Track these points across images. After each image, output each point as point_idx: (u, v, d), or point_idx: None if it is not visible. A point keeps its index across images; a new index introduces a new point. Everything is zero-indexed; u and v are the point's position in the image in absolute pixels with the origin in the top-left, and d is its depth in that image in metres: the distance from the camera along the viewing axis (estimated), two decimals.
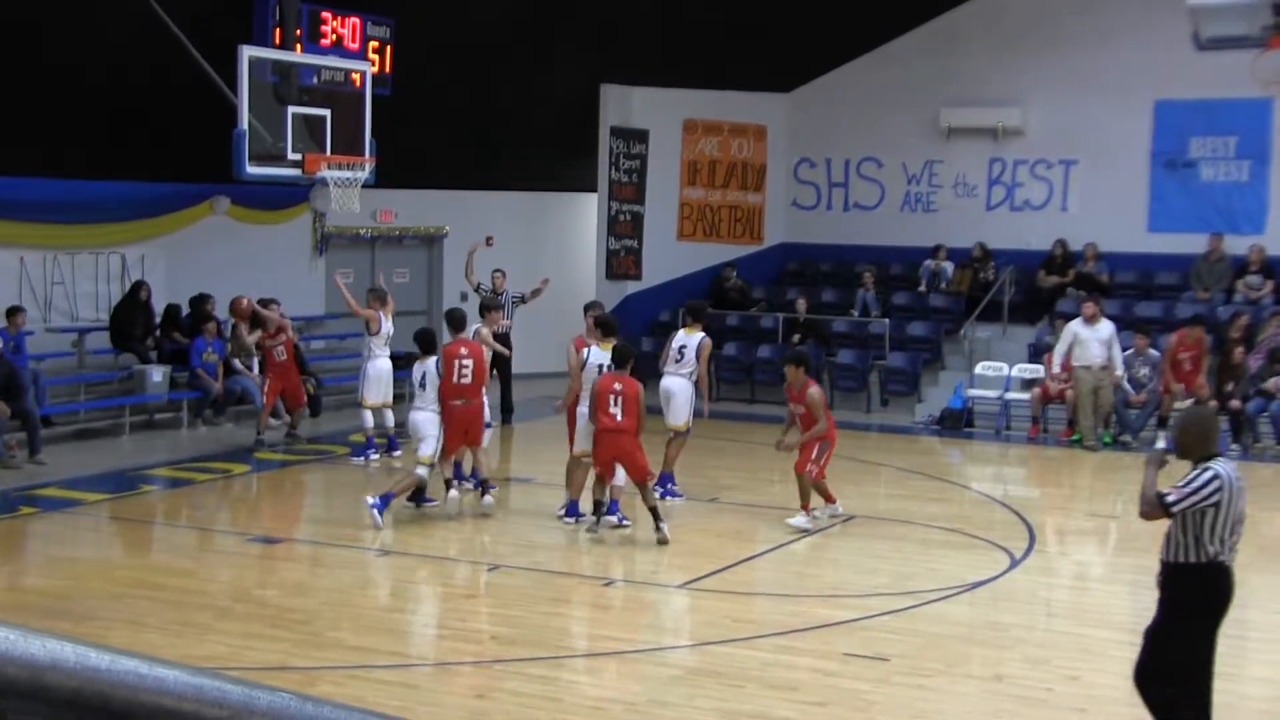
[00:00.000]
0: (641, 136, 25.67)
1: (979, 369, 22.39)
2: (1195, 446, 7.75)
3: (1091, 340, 19.91)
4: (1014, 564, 12.98)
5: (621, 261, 25.82)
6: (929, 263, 24.90)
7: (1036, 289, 23.76)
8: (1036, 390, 21.03)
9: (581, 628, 11.44)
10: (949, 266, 24.77)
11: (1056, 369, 20.27)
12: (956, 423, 21.40)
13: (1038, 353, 22.06)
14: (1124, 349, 20.41)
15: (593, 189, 25.61)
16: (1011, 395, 21.68)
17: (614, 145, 25.37)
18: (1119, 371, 20.06)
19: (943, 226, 25.05)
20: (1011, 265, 23.88)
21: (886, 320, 23.83)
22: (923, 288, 24.91)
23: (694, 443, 16.26)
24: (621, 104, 25.45)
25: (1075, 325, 20.12)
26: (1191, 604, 7.71)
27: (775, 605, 11.59)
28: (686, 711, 8.94)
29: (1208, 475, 7.53)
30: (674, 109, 25.78)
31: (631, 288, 25.89)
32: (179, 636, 10.36)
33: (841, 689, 9.36)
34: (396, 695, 9.03)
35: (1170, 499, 7.55)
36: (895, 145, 25.54)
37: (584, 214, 26.18)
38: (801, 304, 24.22)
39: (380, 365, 17.67)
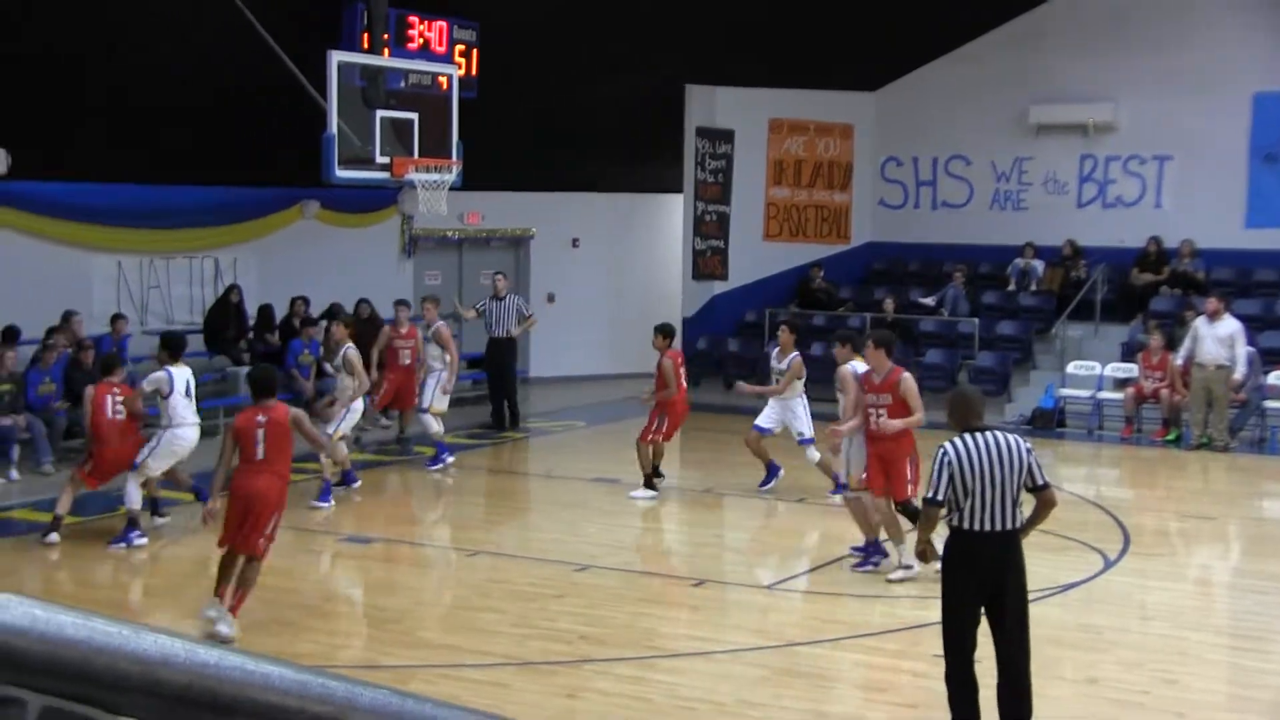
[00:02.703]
0: (727, 136, 25.65)
1: (1070, 368, 22.13)
2: (950, 421, 8.36)
3: (1208, 337, 19.48)
4: (1108, 565, 12.83)
5: (707, 262, 25.81)
6: (1018, 261, 24.66)
7: (1129, 287, 23.45)
8: (1130, 390, 20.75)
9: (670, 628, 11.44)
10: (1039, 265, 24.52)
11: (1179, 364, 19.92)
12: (1048, 422, 21.17)
13: (1131, 351, 21.77)
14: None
15: (678, 189, 25.62)
16: (1104, 395, 21.41)
17: (700, 145, 25.36)
18: (1238, 373, 19.45)
19: (1032, 224, 24.80)
20: (1103, 263, 23.59)
21: (976, 319, 23.63)
22: (1012, 286, 24.68)
23: (783, 444, 16.22)
24: (707, 104, 25.44)
25: (1199, 321, 19.77)
26: (943, 567, 8.23)
27: (865, 606, 11.53)
28: (775, 712, 8.92)
29: (938, 453, 8.06)
30: (759, 108, 25.73)
31: (717, 288, 25.87)
32: (274, 634, 10.49)
33: (932, 691, 9.27)
34: (486, 694, 9.09)
35: (925, 494, 8.17)
36: (984, 143, 25.32)
37: (670, 215, 26.19)
38: (889, 304, 24.07)
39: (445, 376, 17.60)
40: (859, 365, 12.60)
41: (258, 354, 20.32)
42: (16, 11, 16.68)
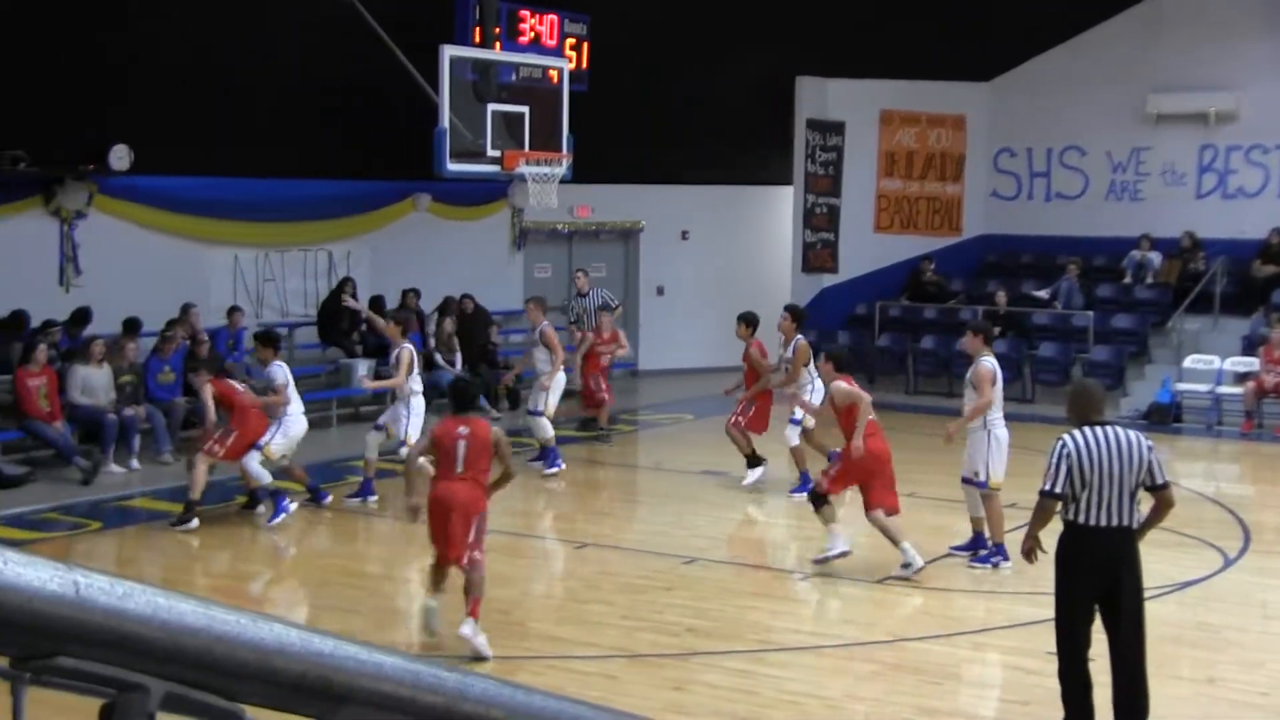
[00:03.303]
0: (838, 128, 25.51)
1: (1188, 362, 21.74)
2: (1070, 415, 8.20)
3: None
4: (1227, 563, 12.59)
5: (818, 254, 25.69)
6: (1135, 253, 24.27)
7: (1250, 279, 22.97)
8: (1251, 384, 20.34)
9: (778, 621, 11.42)
10: (1156, 257, 24.11)
11: None
12: (1164, 418, 20.80)
13: (1251, 345, 21.34)
14: None
15: (788, 182, 25.53)
16: (1223, 389, 21.00)
17: (810, 137, 25.25)
18: None
19: (1149, 215, 24.39)
20: (1223, 255, 23.13)
21: (1090, 313, 23.30)
22: (1128, 279, 24.30)
23: (892, 437, 16.09)
24: (817, 96, 25.31)
25: None
26: (1057, 562, 8.01)
27: (974, 602, 11.42)
28: (885, 707, 8.88)
29: (1056, 445, 7.93)
30: (870, 100, 25.55)
31: (827, 281, 25.75)
32: (383, 625, 10.63)
33: (1045, 688, 9.16)
34: (595, 685, 9.14)
35: (1042, 486, 7.94)
36: (1100, 133, 24.94)
37: (780, 207, 26.10)
38: (1001, 296, 23.79)
39: (560, 377, 17.31)
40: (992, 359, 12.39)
41: (370, 346, 20.58)
42: (137, 12, 17.03)
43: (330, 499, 14.64)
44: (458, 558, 9.99)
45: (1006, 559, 12.08)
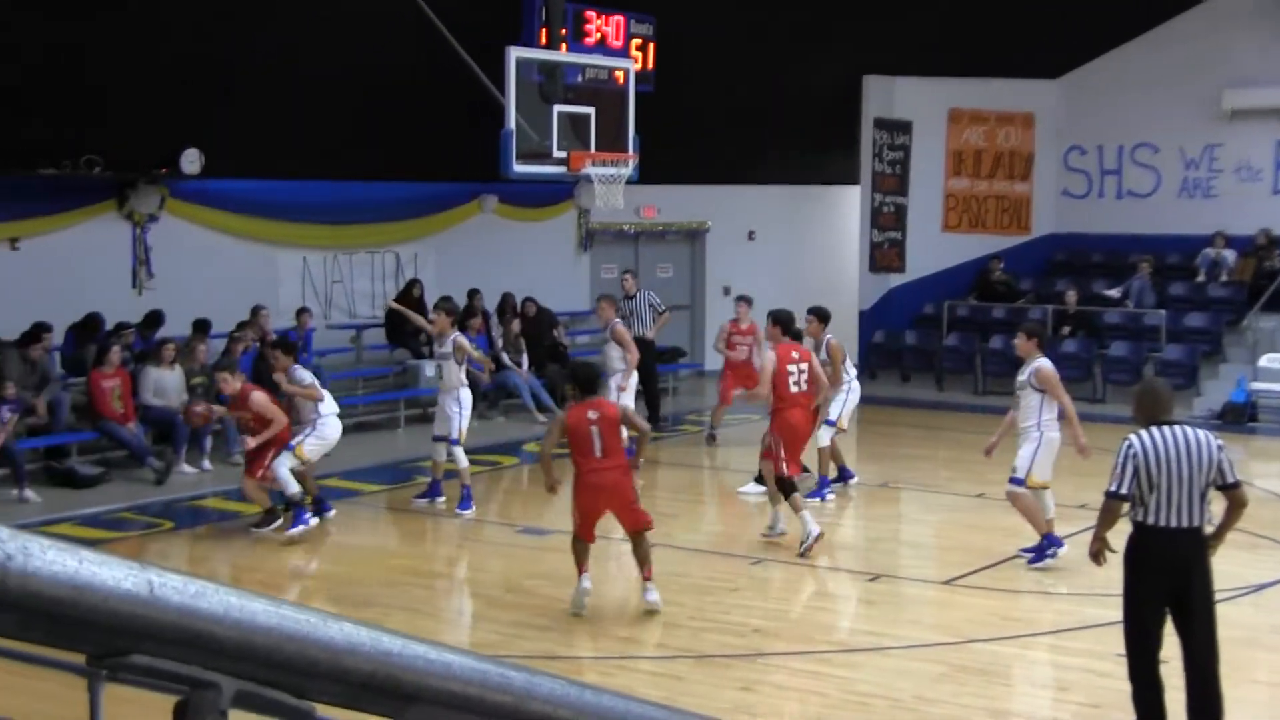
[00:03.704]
0: (905, 127, 25.38)
1: (1264, 361, 21.44)
2: (1137, 415, 8.03)
3: None
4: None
5: (885, 254, 25.58)
6: (1208, 251, 23.99)
7: None
8: None
9: (846, 622, 11.39)
10: (1230, 254, 23.81)
11: None
12: (1239, 417, 20.54)
13: None
14: None
15: (855, 181, 25.44)
16: None
17: (877, 137, 25.14)
18: None
19: (1223, 213, 24.09)
20: None
21: (1162, 311, 23.05)
22: (1201, 277, 24.02)
23: (960, 437, 16.02)
24: (884, 95, 25.20)
25: None
26: (1125, 564, 7.91)
27: (1045, 603, 11.33)
28: (953, 709, 8.83)
29: (1123, 446, 7.82)
30: (938, 99, 25.41)
31: (894, 280, 25.63)
32: (452, 624, 10.68)
33: (1116, 690, 9.08)
34: (662, 686, 9.14)
35: (1109, 488, 7.82)
36: (1172, 129, 24.66)
37: (847, 207, 26.01)
38: (1071, 296, 23.59)
39: (634, 378, 17.20)
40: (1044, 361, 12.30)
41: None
42: (208, 17, 17.21)
43: (333, 512, 14.12)
44: (637, 524, 10.80)
45: (1059, 545, 12.20)
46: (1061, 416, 12.21)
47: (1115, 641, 9.96)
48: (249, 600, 1.89)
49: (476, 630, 10.64)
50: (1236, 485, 7.82)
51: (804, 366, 13.07)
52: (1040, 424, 12.12)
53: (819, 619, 11.33)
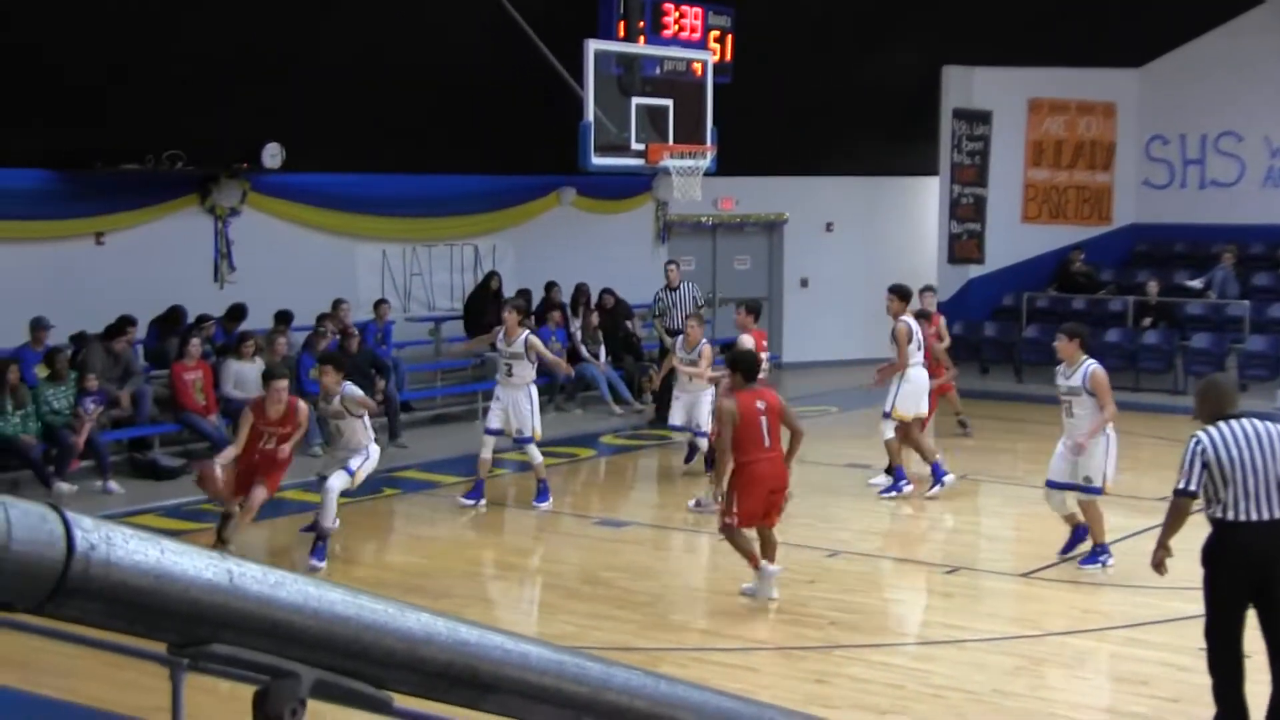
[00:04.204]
0: (984, 118, 25.16)
1: None
2: (1200, 412, 7.86)
3: None
4: None
5: (964, 245, 25.38)
6: None
7: None
8: None
9: (922, 615, 11.34)
10: None
11: None
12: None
13: None
14: None
15: (934, 172, 25.26)
16: None
17: (956, 127, 24.94)
18: None
19: None
20: None
21: (1246, 302, 22.71)
22: None
23: (1035, 428, 15.88)
24: (963, 85, 24.99)
25: None
26: (1206, 561, 7.75)
27: (1124, 596, 11.20)
28: (1031, 703, 8.77)
29: (1190, 443, 7.65)
30: (1018, 88, 25.15)
31: (974, 271, 25.42)
32: (528, 615, 10.75)
33: (1195, 685, 8.97)
34: (737, 678, 9.14)
35: (1177, 485, 7.67)
36: (1257, 118, 24.27)
37: (925, 197, 25.83)
38: (1153, 286, 23.30)
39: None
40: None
41: None
42: (288, 12, 17.37)
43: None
44: (773, 523, 10.93)
45: (1110, 555, 11.86)
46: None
47: (1194, 635, 9.84)
48: (327, 590, 1.92)
49: (553, 622, 10.68)
50: None
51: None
52: (1106, 430, 11.74)
53: (895, 611, 11.29)
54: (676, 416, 15.88)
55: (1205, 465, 7.55)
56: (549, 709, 2.12)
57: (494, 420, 14.63)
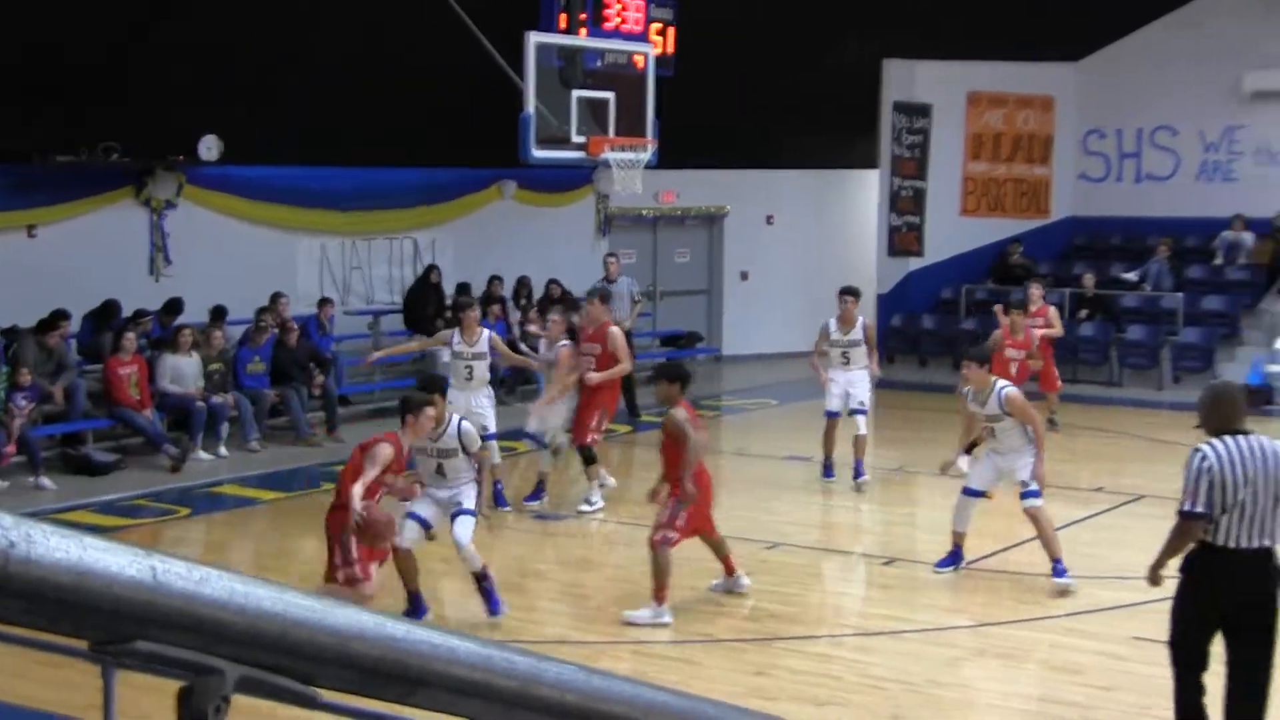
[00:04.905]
0: (924, 111, 25.30)
1: None
2: (1206, 421, 7.27)
3: None
4: None
5: (903, 238, 25.53)
6: (1226, 234, 23.89)
7: None
8: None
9: (861, 606, 11.41)
10: (1248, 237, 23.71)
11: None
12: (1257, 400, 20.42)
13: None
14: None
15: (874, 165, 25.39)
16: None
17: (896, 120, 25.08)
18: None
19: (1242, 195, 23.97)
20: None
21: (1180, 294, 22.97)
22: (1219, 260, 23.93)
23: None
24: (904, 78, 25.13)
25: None
26: (1186, 582, 7.25)
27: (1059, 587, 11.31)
28: (967, 693, 8.84)
29: (1194, 458, 7.07)
30: (958, 82, 25.31)
31: (913, 264, 25.57)
32: (468, 609, 10.71)
33: (1130, 673, 9.11)
34: (676, 670, 9.17)
35: (1183, 506, 7.08)
36: (1192, 112, 24.54)
37: (865, 191, 25.96)
38: (1089, 279, 23.52)
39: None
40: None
41: None
42: (226, 3, 17.23)
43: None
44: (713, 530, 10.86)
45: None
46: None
47: (1129, 625, 9.99)
48: (254, 586, 1.90)
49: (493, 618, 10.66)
50: None
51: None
52: (1030, 439, 11.35)
53: (834, 603, 11.36)
54: (532, 424, 14.53)
55: (1211, 485, 6.94)
56: (478, 703, 2.11)
57: None
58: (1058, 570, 11.07)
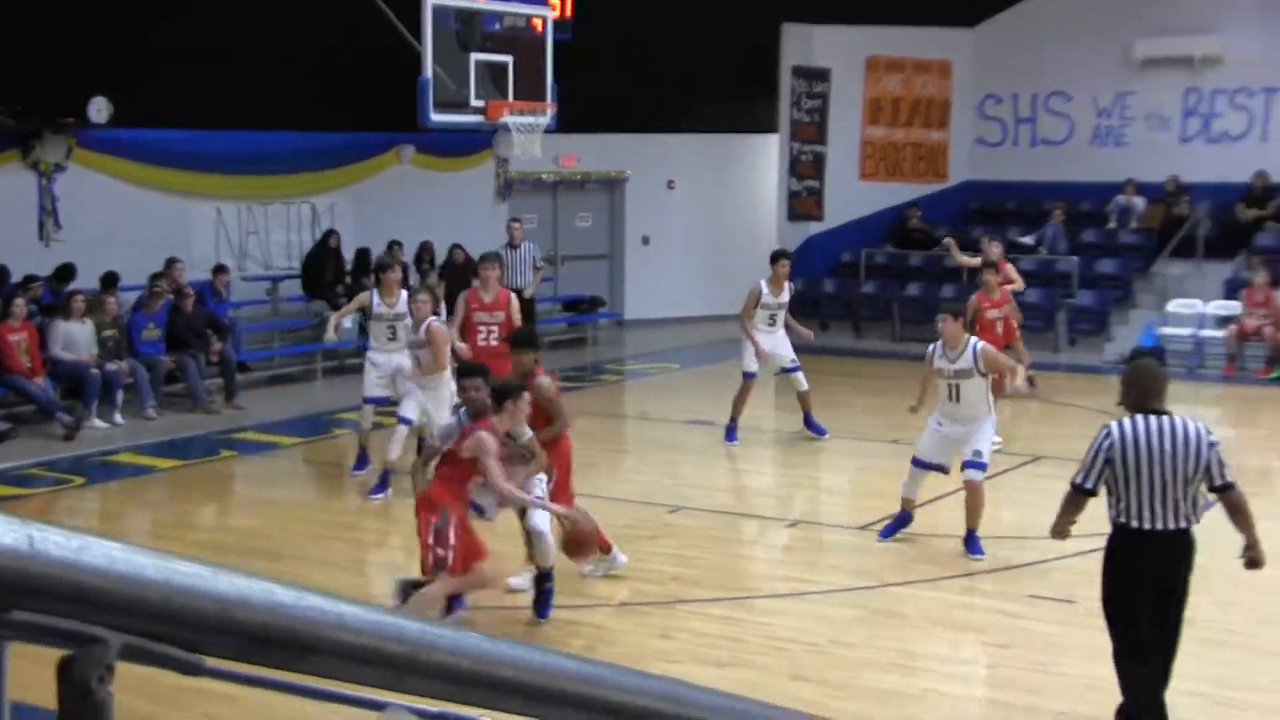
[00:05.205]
0: (823, 75, 25.41)
1: (1171, 306, 21.81)
2: (1124, 397, 7.25)
3: None
4: (1207, 505, 12.62)
5: (803, 202, 25.65)
6: (1119, 198, 24.28)
7: (1233, 223, 22.99)
8: (1232, 327, 20.41)
9: (763, 569, 11.49)
10: (1140, 201, 24.11)
11: None
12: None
13: (1234, 288, 21.39)
14: None
15: (774, 130, 25.46)
16: (1206, 333, 21.08)
17: (796, 85, 25.16)
18: None
19: (1134, 160, 24.37)
20: (1207, 199, 23.14)
21: (1075, 258, 23.31)
22: (1112, 224, 24.31)
23: (874, 384, 16.15)
24: (803, 43, 25.20)
25: None
26: (1106, 568, 7.16)
27: (957, 546, 11.44)
28: (868, 652, 8.93)
29: (1100, 433, 7.08)
30: (856, 47, 25.44)
31: (814, 229, 25.71)
32: (368, 577, 10.66)
33: (1026, 631, 9.26)
34: (581, 634, 9.18)
35: (1075, 477, 7.14)
36: (1085, 78, 24.87)
37: (766, 155, 26.04)
38: (988, 244, 23.76)
39: None
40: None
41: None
42: None
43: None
44: None
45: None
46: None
47: (1024, 584, 10.16)
48: (135, 554, 1.86)
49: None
50: (1229, 487, 7.08)
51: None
52: (991, 405, 11.33)
53: (737, 566, 11.41)
54: (409, 409, 13.18)
55: (1109, 462, 6.95)
56: (369, 669, 2.08)
57: (375, 389, 13.62)
58: (973, 544, 10.96)
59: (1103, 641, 7.34)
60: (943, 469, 11.41)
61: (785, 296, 15.46)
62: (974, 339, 11.38)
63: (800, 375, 15.52)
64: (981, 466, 11.01)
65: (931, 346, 11.45)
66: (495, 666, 2.28)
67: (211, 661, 2.02)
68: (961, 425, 11.16)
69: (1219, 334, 20.81)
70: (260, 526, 12.34)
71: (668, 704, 2.51)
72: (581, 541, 9.18)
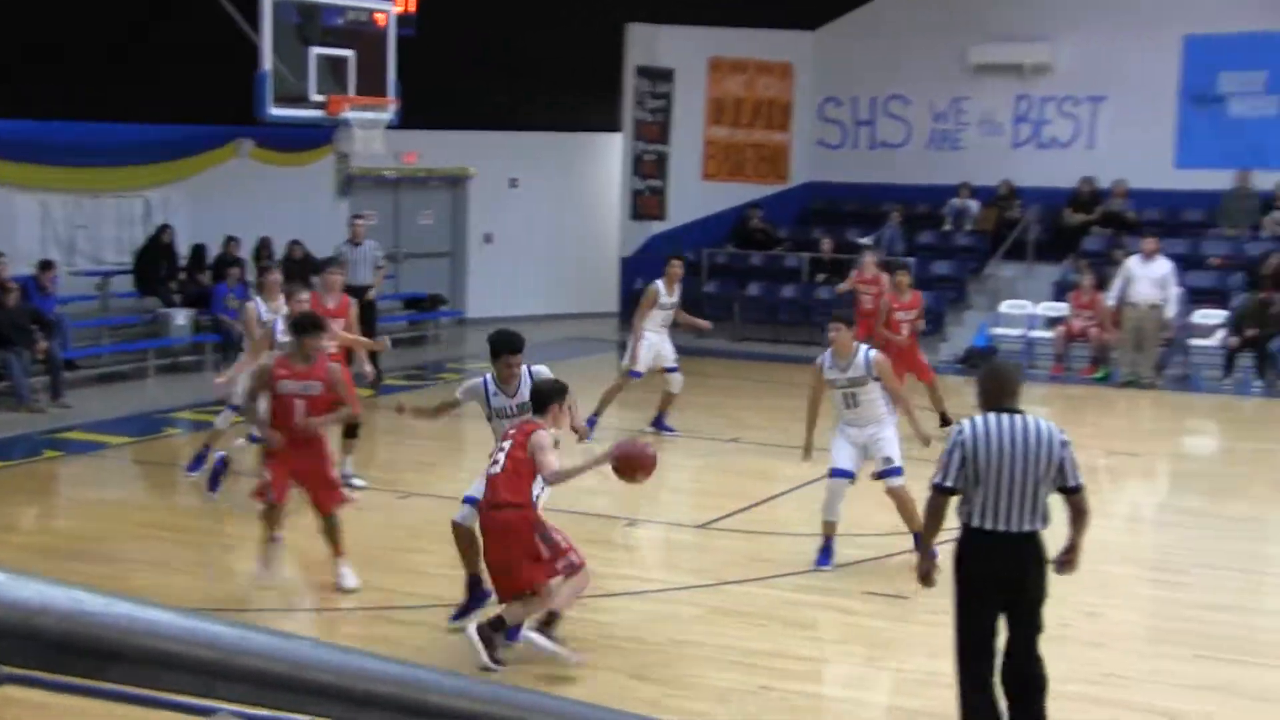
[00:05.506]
0: (667, 75, 25.53)
1: (1003, 307, 22.34)
2: (979, 397, 7.19)
3: (1143, 277, 19.86)
4: None
5: (646, 202, 25.76)
6: (954, 201, 24.78)
7: (1062, 227, 23.61)
8: (1060, 328, 20.96)
9: (602, 567, 11.44)
10: (974, 205, 24.64)
11: (1112, 303, 20.13)
12: (980, 361, 21.31)
13: (1062, 291, 21.97)
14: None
15: (618, 129, 25.52)
16: (1035, 333, 21.63)
17: (639, 84, 25.26)
18: (1170, 312, 19.88)
19: (969, 165, 24.90)
20: (1037, 203, 23.74)
21: (911, 259, 23.72)
22: (948, 226, 24.80)
23: (716, 383, 16.27)
24: (647, 43, 25.31)
25: (1132, 261, 20.07)
26: (955, 571, 7.11)
27: (796, 544, 11.57)
28: (706, 650, 8.99)
29: (954, 431, 7.08)
30: (700, 47, 25.62)
31: (656, 228, 25.83)
32: (200, 578, 10.45)
33: (861, 627, 9.41)
34: (418, 635, 9.11)
35: (934, 478, 7.09)
36: (922, 83, 25.35)
37: (609, 154, 26.09)
38: (826, 243, 24.13)
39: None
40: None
41: (190, 295, 20.15)
42: None
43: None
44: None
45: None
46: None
47: (858, 579, 10.32)
48: None
49: (227, 584, 10.42)
50: (1078, 489, 7.02)
51: None
52: (890, 408, 11.08)
53: None
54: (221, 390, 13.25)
55: (964, 460, 6.88)
56: (178, 675, 2.03)
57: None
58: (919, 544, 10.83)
59: (940, 637, 7.46)
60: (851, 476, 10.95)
61: (677, 297, 15.73)
62: (865, 347, 11.13)
63: (678, 377, 15.65)
64: (898, 471, 10.74)
65: (819, 358, 11.17)
66: (314, 671, 2.23)
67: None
68: (863, 427, 10.89)
69: (1048, 335, 21.36)
70: (88, 528, 12.03)
71: (494, 707, 2.49)
72: (632, 460, 8.84)
